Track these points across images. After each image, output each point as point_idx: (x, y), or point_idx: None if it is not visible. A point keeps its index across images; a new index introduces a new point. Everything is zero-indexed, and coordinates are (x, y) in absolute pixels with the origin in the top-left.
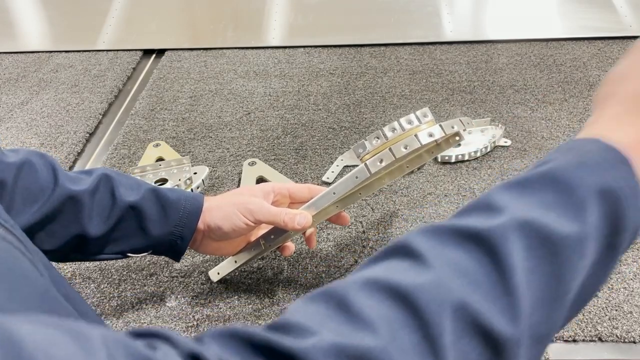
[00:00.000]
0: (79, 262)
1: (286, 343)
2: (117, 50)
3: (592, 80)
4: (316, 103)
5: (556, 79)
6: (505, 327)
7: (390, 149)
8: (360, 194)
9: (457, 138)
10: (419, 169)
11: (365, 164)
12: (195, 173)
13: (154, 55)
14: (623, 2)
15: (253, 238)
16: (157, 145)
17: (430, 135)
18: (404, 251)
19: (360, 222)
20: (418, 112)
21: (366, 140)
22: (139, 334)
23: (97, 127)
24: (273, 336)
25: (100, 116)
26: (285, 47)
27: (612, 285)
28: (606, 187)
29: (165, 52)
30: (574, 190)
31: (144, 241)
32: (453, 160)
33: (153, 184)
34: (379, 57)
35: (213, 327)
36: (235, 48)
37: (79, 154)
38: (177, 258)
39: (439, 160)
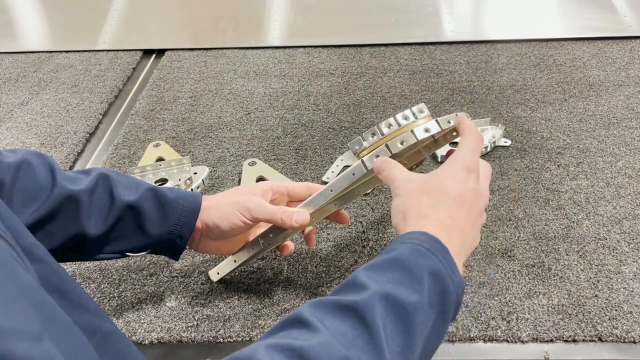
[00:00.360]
0: (79, 263)
1: None
2: (117, 50)
3: (592, 80)
4: (316, 103)
5: (556, 79)
6: None
7: (386, 145)
8: (358, 191)
9: (455, 134)
10: (417, 165)
11: (362, 161)
12: (195, 173)
13: (154, 55)
14: (623, 2)
15: (252, 237)
16: (157, 145)
17: (427, 130)
18: (297, 321)
19: (360, 222)
20: (414, 108)
21: (362, 136)
22: None
23: (97, 127)
24: None
25: (100, 116)
26: (285, 47)
27: (612, 285)
28: (434, 269)
29: (165, 52)
30: (414, 271)
31: (142, 240)
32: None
33: (153, 183)
34: (379, 57)
35: None
36: (235, 48)
37: (79, 154)
38: (176, 257)
39: (439, 160)
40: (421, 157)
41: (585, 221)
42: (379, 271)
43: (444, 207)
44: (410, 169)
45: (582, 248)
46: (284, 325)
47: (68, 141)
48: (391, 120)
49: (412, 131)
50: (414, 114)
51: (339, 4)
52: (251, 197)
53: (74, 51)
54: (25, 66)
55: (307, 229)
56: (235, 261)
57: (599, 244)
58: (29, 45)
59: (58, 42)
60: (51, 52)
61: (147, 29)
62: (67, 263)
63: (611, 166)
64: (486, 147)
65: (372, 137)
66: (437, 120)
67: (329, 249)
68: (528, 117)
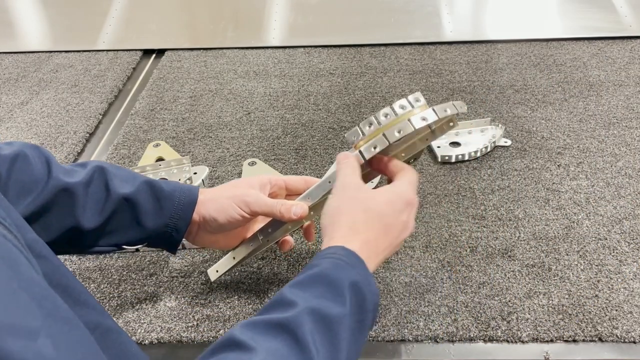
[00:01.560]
0: (79, 263)
1: None
2: (117, 50)
3: (592, 80)
4: (316, 103)
5: (556, 78)
6: None
7: (383, 134)
8: None
9: (451, 124)
10: (415, 159)
11: (360, 151)
12: (195, 173)
13: (154, 55)
14: (623, 2)
15: (249, 233)
16: (157, 145)
17: (424, 119)
18: (231, 344)
19: None
20: (410, 97)
21: (359, 126)
22: None
23: (97, 127)
24: None
25: (100, 116)
26: (285, 47)
27: (612, 285)
28: (353, 281)
29: (165, 52)
30: (336, 284)
31: (138, 233)
32: (453, 160)
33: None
34: (379, 57)
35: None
36: (235, 48)
37: (79, 154)
38: (172, 250)
39: (439, 160)
40: (418, 149)
41: (585, 221)
42: (304, 287)
43: (373, 229)
44: (408, 162)
45: (582, 248)
46: (217, 349)
47: (68, 141)
48: (387, 109)
49: (409, 120)
50: (410, 103)
51: (339, 4)
52: (249, 191)
53: (74, 51)
54: (25, 66)
55: (306, 223)
56: (234, 258)
57: (599, 244)
58: (29, 45)
59: (58, 42)
60: (51, 52)
61: (147, 29)
62: (66, 263)
63: (611, 166)
64: (486, 147)
65: (369, 127)
66: (434, 109)
67: None
68: (528, 117)
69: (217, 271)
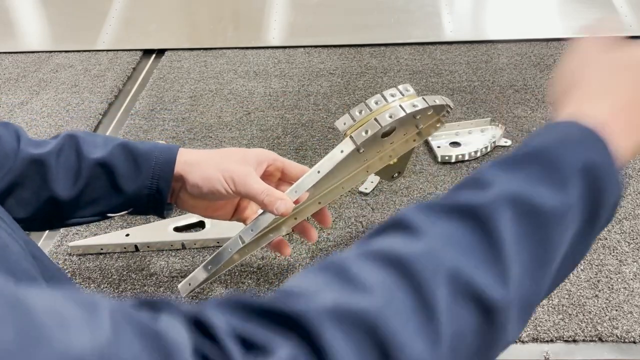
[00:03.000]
0: (79, 263)
1: (287, 305)
2: (117, 50)
3: None
4: (316, 103)
5: None
6: (496, 293)
7: (375, 119)
8: (343, 187)
9: (438, 125)
10: (399, 173)
11: (351, 137)
12: None
13: (154, 55)
14: (623, 2)
15: (233, 210)
16: None
17: (414, 105)
18: (398, 225)
19: (360, 222)
20: (400, 87)
21: (350, 113)
22: (143, 303)
23: (97, 127)
24: (275, 301)
25: (100, 116)
26: (285, 47)
27: (612, 285)
28: (588, 164)
29: (165, 52)
30: (558, 167)
31: (119, 199)
32: (453, 160)
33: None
34: (379, 57)
35: (213, 298)
36: (235, 48)
37: None
38: (160, 214)
39: (439, 160)
40: (407, 147)
41: None
42: (510, 166)
43: (628, 89)
44: (392, 177)
45: None
46: (384, 229)
47: None
48: (378, 97)
49: (400, 106)
50: (400, 92)
51: (339, 4)
52: (240, 168)
53: (73, 51)
54: (25, 66)
55: (276, 239)
56: (209, 268)
57: (599, 244)
58: (29, 45)
59: (58, 42)
60: (51, 52)
61: (147, 29)
62: (66, 263)
63: None
64: (486, 147)
65: (360, 113)
66: (424, 98)
67: (329, 249)
68: (528, 117)
69: (189, 284)
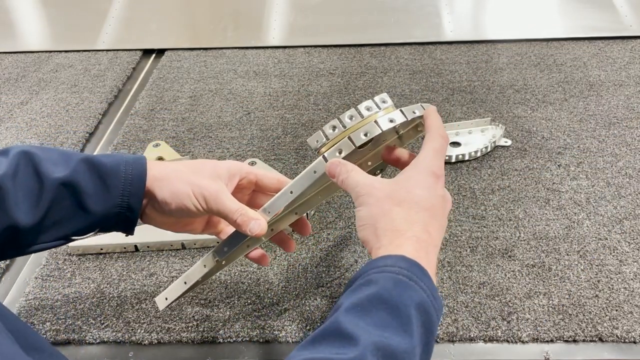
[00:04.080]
0: (79, 263)
1: None
2: (117, 50)
3: (592, 80)
4: (316, 103)
5: (556, 78)
6: None
7: (349, 138)
8: (319, 197)
9: (420, 129)
10: (381, 170)
11: (323, 156)
12: None
13: (153, 55)
14: (623, 2)
15: (205, 225)
16: (156, 145)
17: (391, 120)
18: None
19: None
20: (376, 98)
21: (322, 130)
22: None
23: (97, 127)
24: None
25: (100, 116)
26: (285, 47)
27: (612, 285)
28: (419, 301)
29: (165, 52)
30: (401, 309)
31: (86, 220)
32: (453, 160)
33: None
34: (379, 57)
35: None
36: (235, 48)
37: None
38: (129, 231)
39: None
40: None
41: (585, 221)
42: (363, 314)
43: (418, 220)
44: (374, 173)
45: (582, 248)
46: None
47: (68, 141)
48: (352, 111)
49: (375, 122)
50: (376, 104)
51: (339, 4)
52: (212, 183)
53: (73, 51)
54: (25, 66)
55: (258, 252)
56: (185, 283)
57: (599, 244)
58: (29, 45)
59: (58, 42)
60: (51, 52)
61: (147, 28)
62: (66, 263)
63: (612, 166)
64: (486, 147)
65: (333, 130)
66: (401, 110)
67: (329, 249)
68: (528, 117)
69: (166, 299)
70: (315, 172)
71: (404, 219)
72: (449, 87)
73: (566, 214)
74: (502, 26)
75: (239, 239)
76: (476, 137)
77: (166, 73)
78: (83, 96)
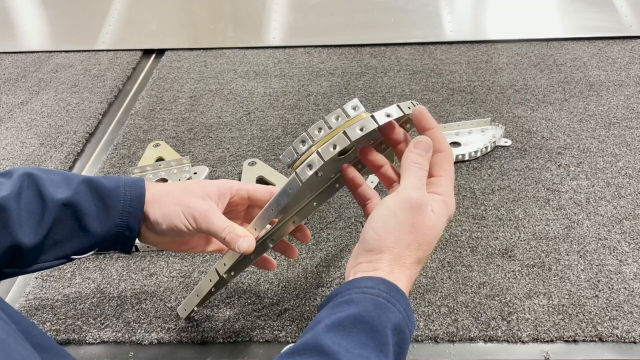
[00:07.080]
0: (79, 263)
1: None
2: (117, 50)
3: (592, 80)
4: (316, 103)
5: (556, 78)
6: None
7: (317, 152)
8: (314, 204)
9: (409, 126)
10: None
11: (295, 173)
12: (195, 173)
13: (153, 55)
14: (623, 2)
15: (200, 243)
16: (157, 145)
17: (361, 129)
18: None
19: (360, 222)
20: (346, 106)
21: (293, 146)
22: None
23: (97, 127)
24: None
25: (100, 116)
26: (285, 47)
27: (612, 285)
28: (396, 322)
29: (165, 52)
30: (379, 331)
31: (87, 240)
32: (453, 160)
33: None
34: (379, 57)
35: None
36: (235, 48)
37: (79, 154)
38: (127, 251)
39: None
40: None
41: (585, 221)
42: (344, 334)
43: (421, 253)
44: (358, 168)
45: (582, 248)
46: None
47: (68, 141)
48: (320, 122)
49: (344, 132)
50: (346, 114)
51: (339, 4)
52: (201, 203)
53: (73, 51)
54: (25, 66)
55: (261, 257)
56: (197, 295)
57: (599, 244)
58: (29, 45)
59: (58, 42)
60: (51, 52)
61: (147, 29)
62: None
63: (612, 166)
64: (486, 147)
65: (303, 145)
66: (372, 116)
67: (329, 249)
68: (528, 117)
69: (185, 309)
70: (290, 190)
71: (416, 250)
72: (449, 87)
73: (566, 214)
74: (502, 26)
75: (236, 254)
76: (476, 137)
77: (166, 73)
78: (83, 96)
